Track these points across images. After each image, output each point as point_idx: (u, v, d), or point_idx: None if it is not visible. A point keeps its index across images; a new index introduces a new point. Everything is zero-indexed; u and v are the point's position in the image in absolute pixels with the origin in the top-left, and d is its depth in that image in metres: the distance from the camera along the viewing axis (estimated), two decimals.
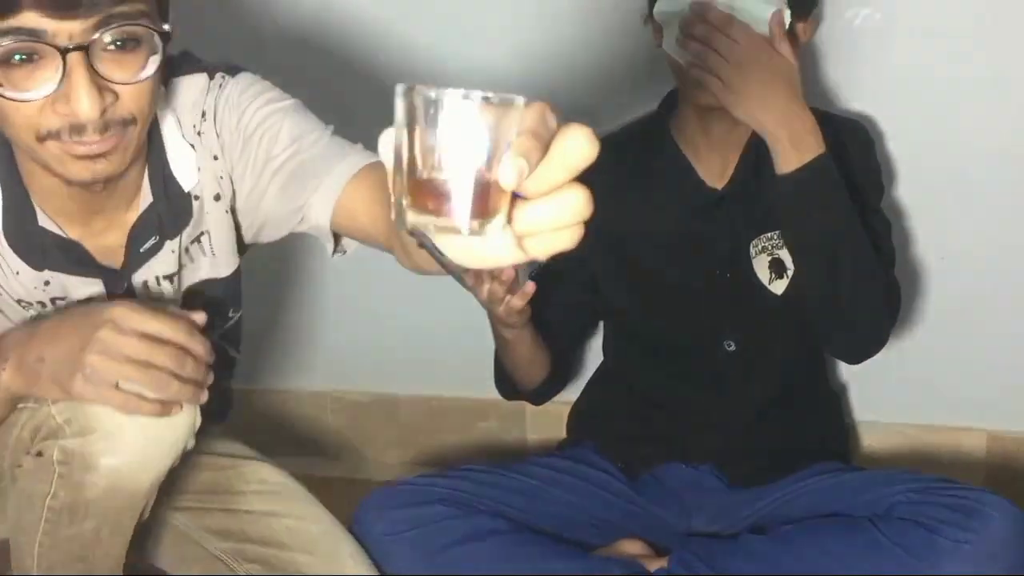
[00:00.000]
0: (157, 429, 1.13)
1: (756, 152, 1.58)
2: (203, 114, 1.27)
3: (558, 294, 1.66)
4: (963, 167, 1.79)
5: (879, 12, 1.73)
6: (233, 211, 1.32)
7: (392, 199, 0.64)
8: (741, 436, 1.66)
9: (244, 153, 1.26)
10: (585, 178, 0.67)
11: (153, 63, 1.10)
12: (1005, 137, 1.76)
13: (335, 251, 1.29)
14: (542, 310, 1.58)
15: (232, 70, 1.28)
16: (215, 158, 1.28)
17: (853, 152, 1.58)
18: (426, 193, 0.63)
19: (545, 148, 0.63)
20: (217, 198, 1.29)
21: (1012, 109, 1.74)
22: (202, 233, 1.32)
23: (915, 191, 1.83)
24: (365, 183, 1.18)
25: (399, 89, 0.63)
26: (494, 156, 0.62)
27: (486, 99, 0.62)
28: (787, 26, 1.45)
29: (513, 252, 0.66)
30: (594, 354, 1.86)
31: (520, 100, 0.63)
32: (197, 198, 1.29)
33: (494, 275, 1.42)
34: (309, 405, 2.21)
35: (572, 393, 1.84)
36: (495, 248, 0.66)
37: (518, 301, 1.46)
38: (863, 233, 1.50)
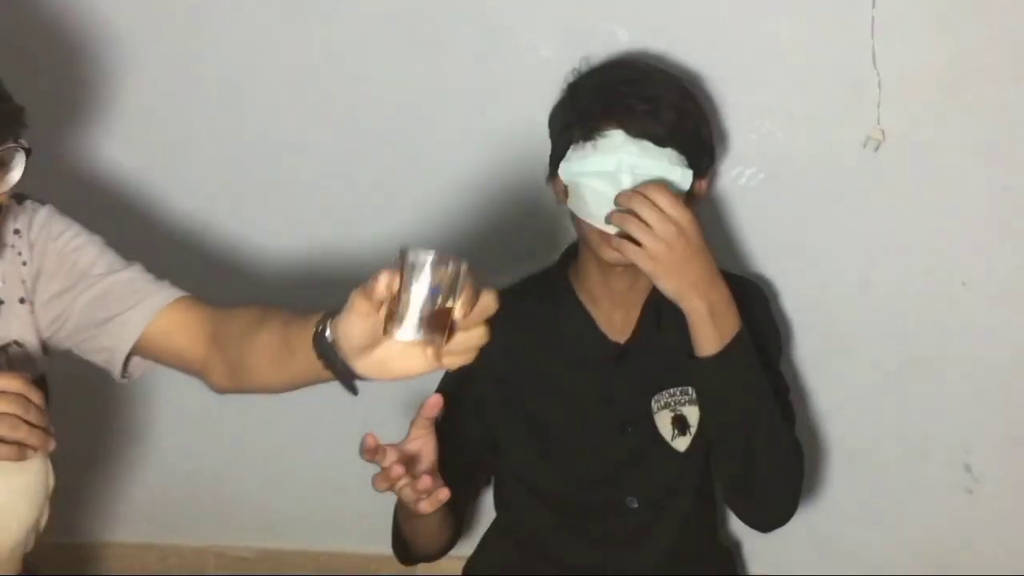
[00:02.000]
0: (18, 477, 1.15)
1: (657, 306, 1.59)
2: (16, 231, 1.33)
3: (459, 451, 1.58)
4: (847, 322, 1.85)
5: (763, 172, 1.79)
6: (35, 314, 1.36)
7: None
8: None
9: (60, 264, 1.34)
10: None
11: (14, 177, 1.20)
12: (884, 289, 1.82)
13: (123, 376, 1.37)
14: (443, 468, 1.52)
15: (41, 201, 1.36)
16: (24, 264, 1.33)
17: (753, 312, 1.59)
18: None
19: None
20: (22, 301, 1.34)
21: (888, 264, 1.81)
22: (9, 344, 1.35)
23: (796, 344, 1.87)
24: (182, 310, 1.33)
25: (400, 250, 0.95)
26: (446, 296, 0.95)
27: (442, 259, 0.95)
28: (687, 187, 1.48)
29: (433, 363, 1.00)
30: (488, 506, 1.82)
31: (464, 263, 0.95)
32: (2, 302, 1.33)
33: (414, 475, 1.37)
34: (191, 562, 2.11)
35: (466, 548, 1.80)
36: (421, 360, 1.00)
37: (426, 506, 1.39)
38: (776, 407, 1.51)
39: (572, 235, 1.63)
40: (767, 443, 1.47)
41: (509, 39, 1.78)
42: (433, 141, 1.86)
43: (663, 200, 1.38)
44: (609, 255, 1.49)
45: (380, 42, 1.82)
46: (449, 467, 1.48)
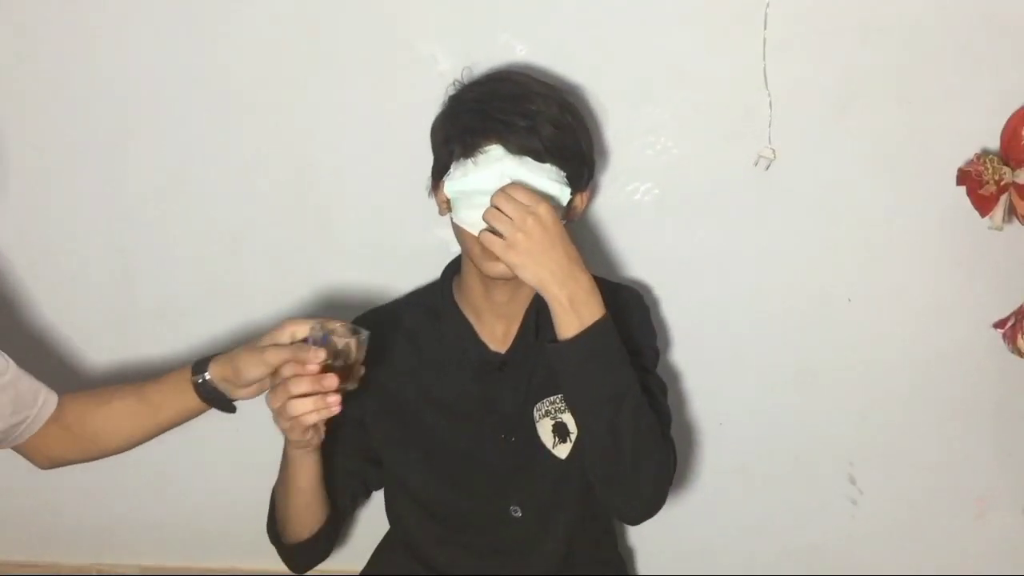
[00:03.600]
0: None
1: (537, 318, 1.61)
2: None
3: (337, 458, 1.61)
4: (737, 336, 1.88)
5: (657, 187, 1.81)
6: None
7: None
8: None
9: None
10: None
11: None
12: (773, 304, 1.86)
13: None
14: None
15: None
16: None
17: (630, 317, 1.62)
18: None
19: None
20: None
21: (777, 279, 1.85)
22: None
23: (689, 355, 1.90)
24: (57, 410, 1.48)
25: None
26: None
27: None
28: (566, 202, 1.50)
29: None
30: (381, 523, 1.80)
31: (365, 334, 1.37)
32: None
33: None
34: None
35: (356, 564, 1.78)
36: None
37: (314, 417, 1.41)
38: (643, 396, 1.51)
39: None
40: (632, 431, 1.46)
41: (407, 51, 1.77)
42: (330, 154, 1.83)
43: (519, 193, 1.41)
44: (491, 268, 1.50)
45: (276, 56, 1.79)
46: (330, 471, 1.58)
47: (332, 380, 1.37)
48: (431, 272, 1.73)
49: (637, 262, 1.85)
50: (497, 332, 1.63)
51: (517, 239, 1.40)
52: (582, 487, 1.62)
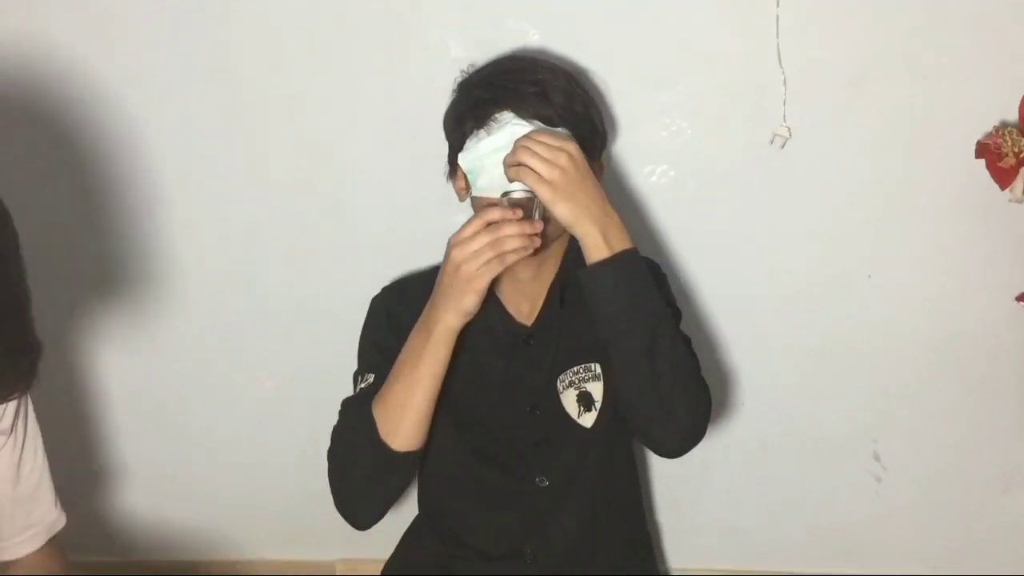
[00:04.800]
0: None
1: (561, 292, 1.62)
2: None
3: None
4: (756, 315, 1.87)
5: (673, 169, 1.81)
6: None
7: None
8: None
9: None
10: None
11: None
12: (792, 283, 1.86)
13: None
14: None
15: None
16: None
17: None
18: None
19: None
20: None
21: (796, 257, 1.85)
22: None
23: (708, 335, 1.90)
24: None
25: None
26: None
27: None
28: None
29: None
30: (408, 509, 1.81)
31: None
32: None
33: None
34: None
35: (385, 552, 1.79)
36: None
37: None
38: (675, 324, 1.53)
39: None
40: (670, 357, 1.47)
41: (419, 38, 1.77)
42: (343, 143, 1.84)
43: (547, 136, 1.44)
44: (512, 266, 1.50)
45: (287, 46, 1.79)
46: None
47: (539, 224, 1.44)
48: None
49: (655, 244, 1.85)
50: (523, 307, 1.64)
51: (554, 175, 1.42)
52: (607, 455, 1.64)
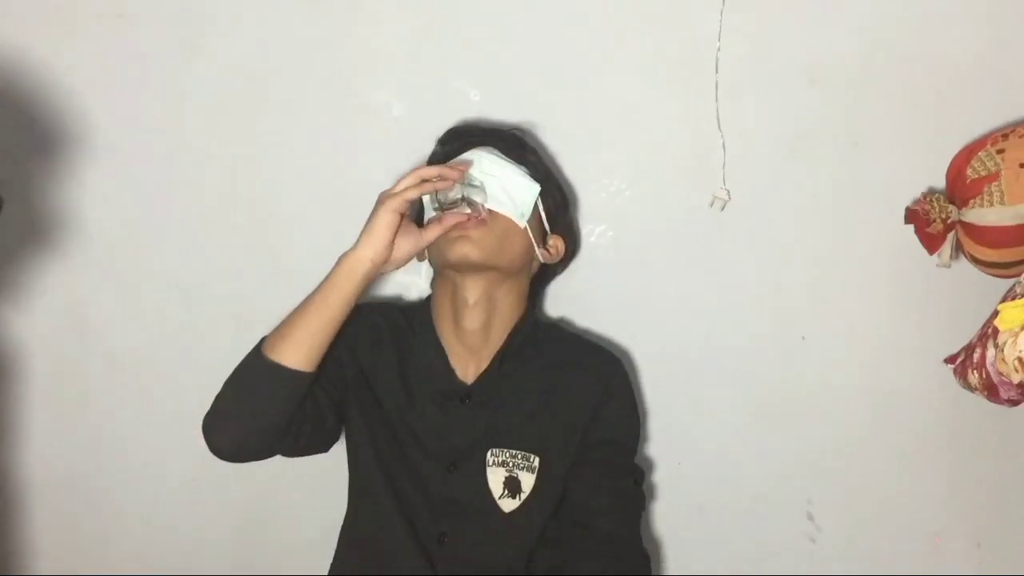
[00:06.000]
0: None
1: (505, 355, 1.63)
2: None
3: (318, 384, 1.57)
4: (694, 377, 1.89)
5: (612, 230, 1.83)
6: None
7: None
8: None
9: None
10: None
11: None
12: (728, 343, 1.87)
13: None
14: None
15: None
16: None
17: (613, 397, 1.67)
18: None
19: None
20: None
21: (732, 318, 1.87)
22: None
23: (646, 396, 1.90)
24: None
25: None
26: None
27: None
28: (534, 198, 1.59)
29: None
30: None
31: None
32: None
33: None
34: None
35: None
36: None
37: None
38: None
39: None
40: None
41: (362, 98, 1.78)
42: (284, 201, 1.84)
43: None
44: (457, 250, 1.55)
45: (231, 103, 1.80)
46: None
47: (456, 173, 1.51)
48: None
49: (593, 303, 1.86)
50: (469, 364, 1.65)
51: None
52: (519, 534, 1.62)
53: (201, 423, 1.51)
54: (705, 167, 1.80)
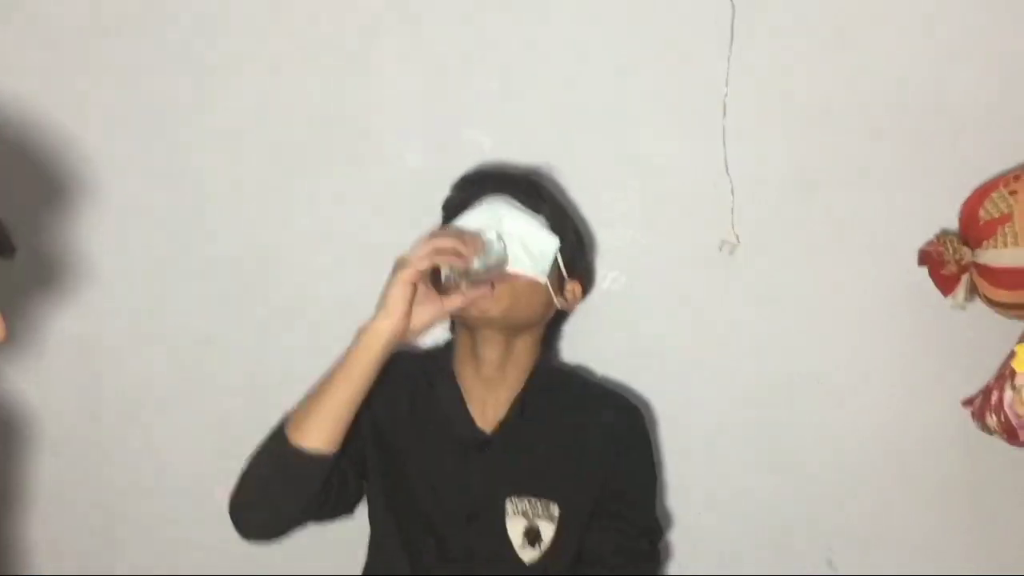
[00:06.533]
0: None
1: (524, 401, 1.62)
2: None
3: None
4: (709, 420, 1.88)
5: (624, 275, 1.83)
6: None
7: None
8: None
9: None
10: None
11: None
12: (743, 388, 1.86)
13: None
14: None
15: None
16: None
17: (632, 448, 1.66)
18: None
19: None
20: None
21: (746, 362, 1.86)
22: None
23: (663, 442, 1.89)
24: None
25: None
26: None
27: None
28: (554, 250, 1.58)
29: None
30: None
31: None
32: None
33: None
34: None
35: None
36: None
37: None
38: None
39: None
40: None
41: (375, 148, 1.80)
42: (298, 251, 1.85)
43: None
44: (475, 307, 1.53)
45: (243, 151, 1.82)
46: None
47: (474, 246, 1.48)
48: None
49: (608, 349, 1.86)
50: (487, 409, 1.63)
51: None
52: None
53: (229, 507, 1.52)
54: (715, 211, 1.80)
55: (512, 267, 1.54)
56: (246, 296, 1.87)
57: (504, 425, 1.62)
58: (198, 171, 1.84)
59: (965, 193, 1.72)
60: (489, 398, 1.63)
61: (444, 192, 1.70)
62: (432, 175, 1.74)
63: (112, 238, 1.85)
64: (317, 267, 1.85)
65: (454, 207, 1.61)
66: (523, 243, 1.55)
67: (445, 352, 1.69)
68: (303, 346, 1.86)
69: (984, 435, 1.69)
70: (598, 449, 1.63)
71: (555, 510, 1.60)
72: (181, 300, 1.87)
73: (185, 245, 1.86)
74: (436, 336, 1.81)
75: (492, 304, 1.53)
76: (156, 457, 1.93)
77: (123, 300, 1.88)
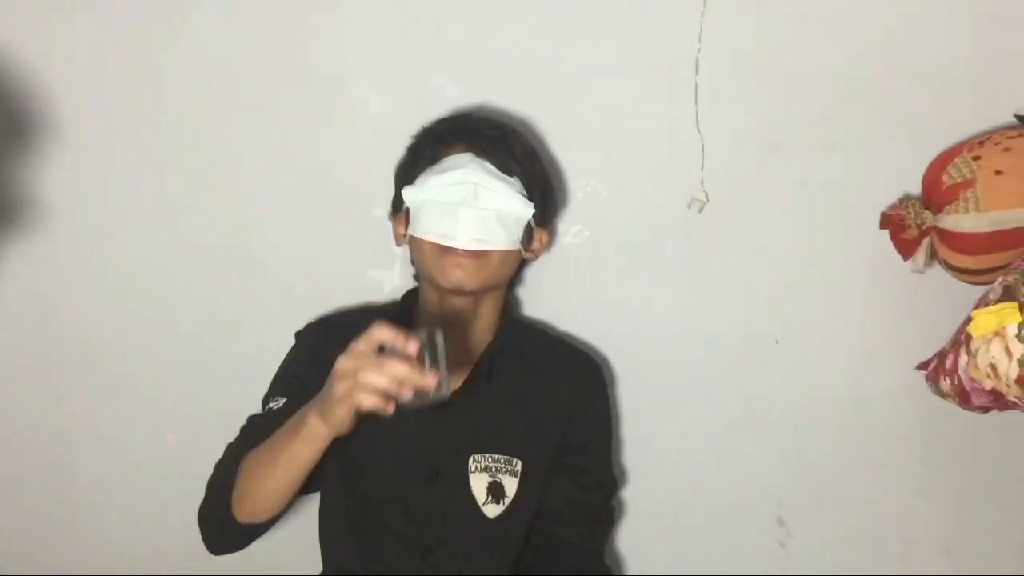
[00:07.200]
0: None
1: (491, 360, 1.61)
2: None
3: None
4: (666, 380, 1.89)
5: (587, 229, 1.82)
6: None
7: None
8: None
9: None
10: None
11: None
12: (702, 347, 1.87)
13: None
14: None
15: None
16: None
17: (594, 401, 1.68)
18: None
19: None
20: None
21: (707, 322, 1.86)
22: None
23: (618, 398, 1.89)
24: None
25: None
26: None
27: None
28: (527, 221, 1.55)
29: None
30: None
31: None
32: None
33: None
34: None
35: None
36: None
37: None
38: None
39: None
40: None
41: (339, 93, 1.77)
42: (260, 195, 1.82)
43: None
44: (449, 275, 1.51)
45: (206, 98, 1.79)
46: None
47: (432, 378, 1.31)
48: None
49: (568, 303, 1.85)
50: (451, 367, 1.61)
51: None
52: (504, 541, 1.61)
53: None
54: (684, 169, 1.79)
55: (488, 244, 1.53)
56: (206, 240, 1.84)
57: (468, 385, 1.61)
58: (160, 113, 1.80)
59: (929, 158, 1.72)
60: (453, 354, 1.61)
61: (407, 139, 1.68)
62: (396, 121, 1.72)
63: (71, 180, 1.81)
64: (277, 208, 1.82)
65: (422, 160, 1.58)
66: (499, 216, 1.53)
67: (405, 307, 1.67)
68: (261, 285, 1.84)
69: (937, 399, 1.71)
70: (559, 405, 1.64)
71: (518, 465, 1.60)
72: (140, 236, 1.84)
73: (143, 181, 1.82)
74: (395, 287, 1.81)
75: (466, 278, 1.52)
76: (111, 405, 1.91)
77: (79, 246, 1.85)
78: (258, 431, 1.51)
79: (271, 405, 1.58)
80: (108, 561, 1.97)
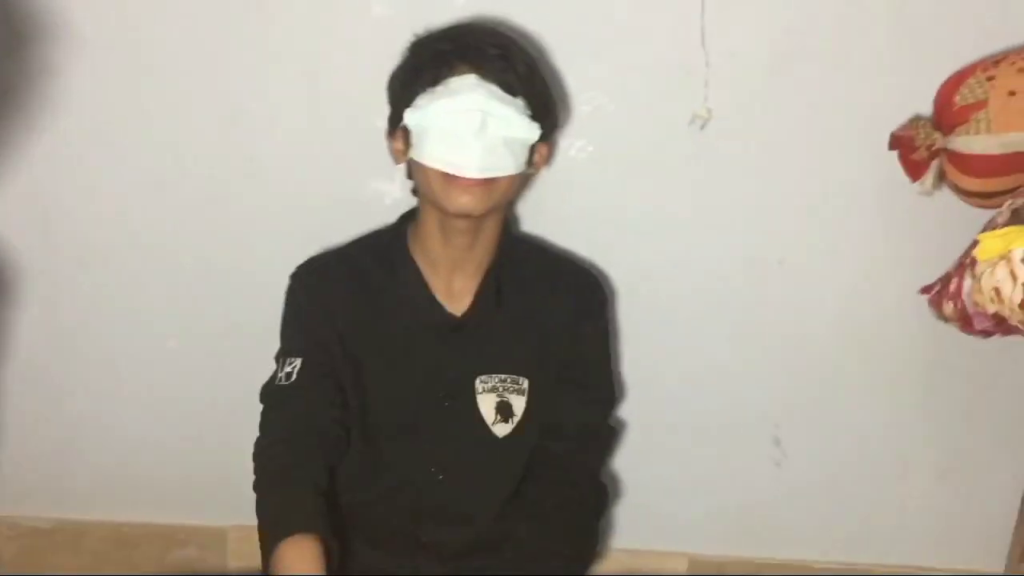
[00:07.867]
0: None
1: (498, 276, 1.59)
2: None
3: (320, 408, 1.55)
4: (666, 296, 1.88)
5: (591, 144, 1.79)
6: None
7: None
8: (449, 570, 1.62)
9: None
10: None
11: None
12: (704, 264, 1.86)
13: None
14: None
15: None
16: None
17: (592, 317, 1.67)
18: None
19: None
20: None
21: (709, 239, 1.84)
22: None
23: (619, 312, 1.88)
24: None
25: None
26: None
27: None
28: (535, 139, 1.51)
29: None
30: None
31: None
32: None
33: None
34: None
35: None
36: None
37: None
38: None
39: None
40: None
41: None
42: (259, 101, 1.78)
43: None
44: (455, 202, 1.48)
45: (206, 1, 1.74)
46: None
47: None
48: (365, 225, 1.71)
49: (569, 219, 1.83)
50: (454, 287, 1.60)
51: None
52: (514, 462, 1.62)
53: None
54: (687, 84, 1.75)
55: (497, 171, 1.48)
56: (205, 148, 1.81)
57: (477, 307, 1.60)
58: (158, 18, 1.75)
59: (941, 77, 1.68)
60: (456, 276, 1.60)
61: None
62: (398, 26, 1.67)
63: (65, 75, 1.77)
64: (277, 112, 1.78)
65: (422, 80, 1.51)
66: (506, 142, 1.48)
67: (398, 234, 1.64)
68: (259, 193, 1.82)
69: (938, 323, 1.70)
70: (562, 321, 1.63)
71: (524, 383, 1.61)
72: (137, 139, 1.81)
73: (141, 83, 1.78)
74: (396, 199, 1.78)
75: (473, 203, 1.48)
76: (108, 305, 1.90)
77: (80, 150, 1.82)
78: (286, 406, 1.52)
79: (287, 369, 1.55)
80: (109, 468, 1.98)
